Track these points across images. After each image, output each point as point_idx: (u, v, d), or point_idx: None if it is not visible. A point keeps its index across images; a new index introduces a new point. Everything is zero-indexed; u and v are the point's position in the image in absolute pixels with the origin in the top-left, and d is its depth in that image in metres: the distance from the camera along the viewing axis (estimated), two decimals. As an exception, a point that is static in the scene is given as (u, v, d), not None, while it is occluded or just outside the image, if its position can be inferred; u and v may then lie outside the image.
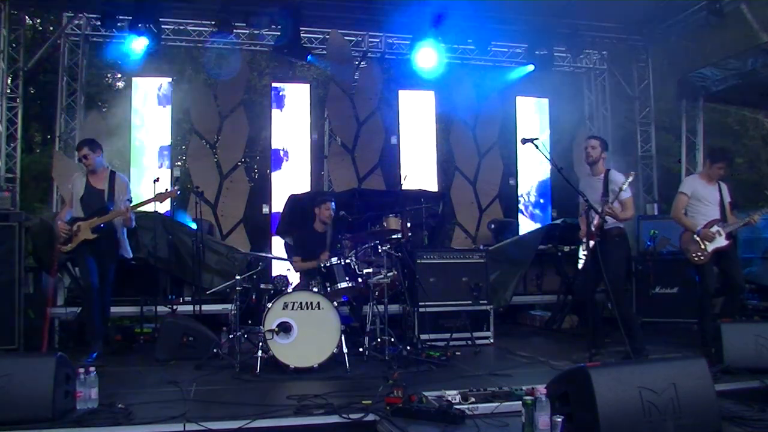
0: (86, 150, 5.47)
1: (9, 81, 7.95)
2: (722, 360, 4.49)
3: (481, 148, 9.86)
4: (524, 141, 4.44)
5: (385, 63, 9.97)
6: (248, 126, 9.20)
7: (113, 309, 6.58)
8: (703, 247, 5.45)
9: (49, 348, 5.72)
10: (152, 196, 5.41)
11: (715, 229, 5.48)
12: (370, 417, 3.54)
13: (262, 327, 4.91)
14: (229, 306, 5.80)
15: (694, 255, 5.49)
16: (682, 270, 6.65)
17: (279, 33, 8.59)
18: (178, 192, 5.55)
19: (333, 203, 6.30)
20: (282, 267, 6.90)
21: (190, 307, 6.49)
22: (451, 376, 4.82)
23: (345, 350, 5.04)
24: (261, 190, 9.49)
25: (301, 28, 8.63)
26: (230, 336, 5.44)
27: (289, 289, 5.55)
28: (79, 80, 8.82)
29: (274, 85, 9.36)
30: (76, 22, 8.80)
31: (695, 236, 5.48)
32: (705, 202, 5.57)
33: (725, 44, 9.00)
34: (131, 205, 5.41)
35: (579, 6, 8.77)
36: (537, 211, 10.03)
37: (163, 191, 5.38)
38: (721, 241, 5.45)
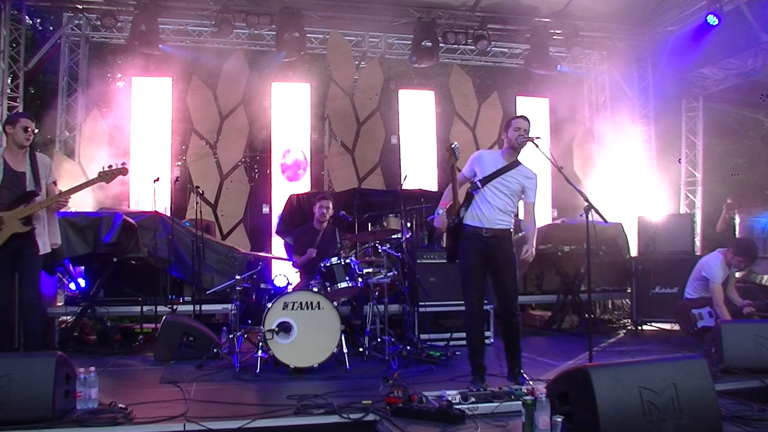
0: (31, 123, 4.53)
1: (9, 81, 7.95)
2: (722, 360, 4.49)
3: (481, 148, 9.85)
4: (523, 140, 4.41)
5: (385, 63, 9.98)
6: (248, 126, 9.20)
7: (113, 309, 6.62)
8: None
9: (48, 348, 5.71)
10: (97, 176, 4.64)
11: (706, 311, 6.09)
12: (370, 417, 3.53)
13: (262, 327, 4.91)
14: (229, 306, 5.80)
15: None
16: (682, 270, 6.67)
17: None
18: (124, 165, 4.71)
19: (329, 202, 6.22)
20: (282, 267, 6.91)
21: (190, 307, 6.49)
22: (451, 376, 4.82)
23: (345, 350, 5.04)
24: (261, 190, 9.49)
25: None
26: (230, 336, 5.44)
27: (289, 289, 5.55)
28: (79, 80, 8.83)
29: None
30: (76, 22, 8.81)
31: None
32: (714, 284, 6.06)
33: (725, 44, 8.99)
34: (74, 186, 4.61)
35: (579, 6, 8.79)
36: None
37: (109, 168, 4.64)
38: (711, 322, 5.91)
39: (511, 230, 4.46)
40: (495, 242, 4.34)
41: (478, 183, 4.37)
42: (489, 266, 4.40)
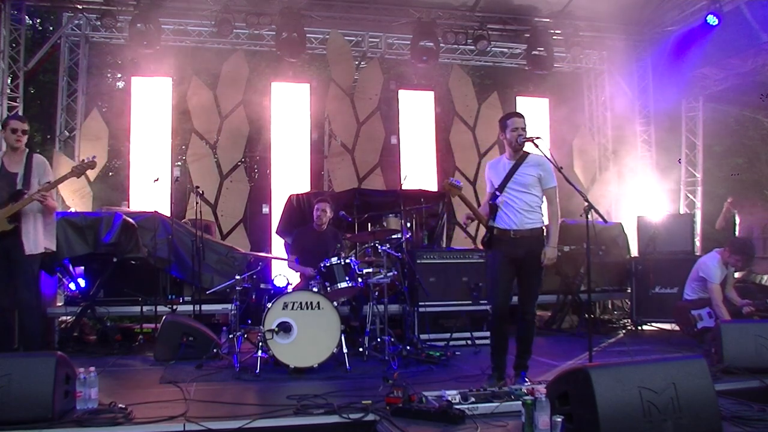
0: (24, 125, 4.66)
1: (9, 81, 7.95)
2: (722, 360, 4.49)
3: (481, 148, 9.86)
4: (524, 140, 4.41)
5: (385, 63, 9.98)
6: (248, 126, 9.20)
7: (113, 309, 6.62)
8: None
9: (48, 348, 5.71)
10: (70, 171, 4.71)
11: (705, 311, 6.13)
12: (370, 417, 3.53)
13: (262, 327, 4.91)
14: (229, 306, 5.80)
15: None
16: (682, 270, 6.67)
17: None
18: (93, 159, 4.76)
19: (326, 205, 6.15)
20: (282, 267, 6.90)
21: (190, 307, 6.49)
22: (451, 376, 4.82)
23: (345, 350, 5.04)
24: (261, 190, 9.49)
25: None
26: (230, 336, 5.44)
27: (289, 289, 5.54)
28: (79, 80, 8.83)
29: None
30: (76, 22, 8.81)
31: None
32: (712, 284, 6.05)
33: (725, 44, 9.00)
34: (51, 182, 4.65)
35: (579, 6, 8.79)
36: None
37: (80, 163, 4.76)
38: (710, 323, 5.93)
39: (542, 228, 4.44)
40: (524, 243, 4.34)
41: (496, 192, 4.40)
42: (517, 266, 4.40)
